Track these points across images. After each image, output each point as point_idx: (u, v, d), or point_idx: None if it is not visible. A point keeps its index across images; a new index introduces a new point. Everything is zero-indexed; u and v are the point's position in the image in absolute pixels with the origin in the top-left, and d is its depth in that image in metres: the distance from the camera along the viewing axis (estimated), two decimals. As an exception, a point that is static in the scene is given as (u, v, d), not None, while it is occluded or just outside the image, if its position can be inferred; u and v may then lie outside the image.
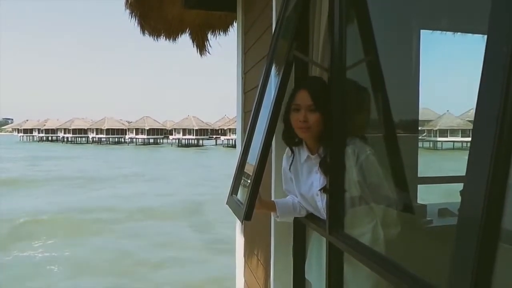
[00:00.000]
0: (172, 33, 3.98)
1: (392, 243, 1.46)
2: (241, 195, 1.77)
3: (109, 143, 79.92)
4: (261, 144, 1.50)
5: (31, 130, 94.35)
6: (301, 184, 1.66)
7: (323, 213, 1.58)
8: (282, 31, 1.86)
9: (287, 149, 1.70)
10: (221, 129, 77.64)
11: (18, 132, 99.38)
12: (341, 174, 1.39)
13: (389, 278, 1.03)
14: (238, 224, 2.99)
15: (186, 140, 76.52)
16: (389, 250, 1.45)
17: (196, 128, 75.76)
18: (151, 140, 79.15)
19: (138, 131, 78.70)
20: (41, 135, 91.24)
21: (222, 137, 76.67)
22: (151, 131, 78.27)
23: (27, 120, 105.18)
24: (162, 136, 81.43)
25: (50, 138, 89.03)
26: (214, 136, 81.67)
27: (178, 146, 73.83)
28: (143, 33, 3.73)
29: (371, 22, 1.57)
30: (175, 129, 77.35)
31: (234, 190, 1.82)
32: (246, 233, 2.85)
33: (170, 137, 78.48)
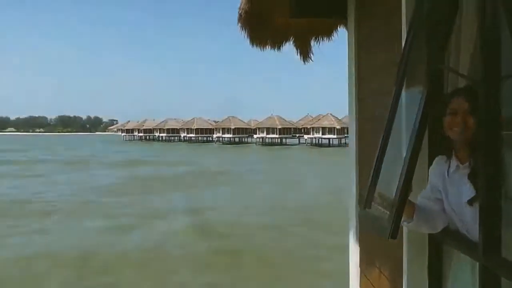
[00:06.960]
0: (277, 42, 4.11)
1: None
2: (375, 209, 1.76)
3: (198, 142, 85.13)
4: (408, 157, 1.46)
5: (132, 130, 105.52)
6: (450, 196, 1.60)
7: (470, 228, 1.50)
8: (417, 40, 1.80)
9: (436, 159, 1.65)
10: (304, 128, 77.38)
11: (122, 132, 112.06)
12: (497, 184, 1.27)
13: None
14: (352, 230, 2.98)
15: (270, 139, 78.00)
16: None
17: (279, 127, 76.65)
18: (237, 139, 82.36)
19: (224, 130, 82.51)
20: (140, 134, 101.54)
21: (306, 136, 76.38)
22: (236, 130, 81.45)
23: (128, 121, 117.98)
24: (247, 135, 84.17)
25: (147, 137, 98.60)
26: (297, 135, 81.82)
27: (263, 145, 75.50)
28: (252, 44, 3.90)
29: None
30: (258, 128, 79.32)
31: (367, 203, 1.82)
32: (361, 241, 2.83)
33: (254, 136, 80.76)
